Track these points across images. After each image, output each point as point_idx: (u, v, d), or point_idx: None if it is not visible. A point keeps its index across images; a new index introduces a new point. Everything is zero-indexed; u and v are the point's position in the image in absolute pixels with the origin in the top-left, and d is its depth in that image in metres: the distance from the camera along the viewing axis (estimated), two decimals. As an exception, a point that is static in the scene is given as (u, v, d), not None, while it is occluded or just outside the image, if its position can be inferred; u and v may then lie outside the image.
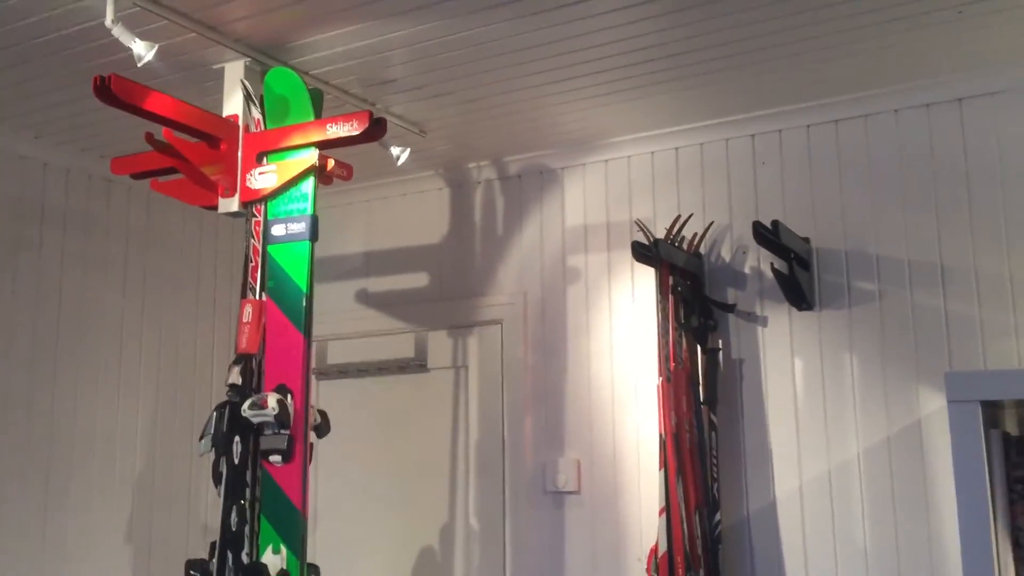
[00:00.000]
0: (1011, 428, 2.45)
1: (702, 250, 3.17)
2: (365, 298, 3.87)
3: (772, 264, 2.92)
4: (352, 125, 2.45)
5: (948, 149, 2.88)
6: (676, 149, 3.31)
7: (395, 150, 3.07)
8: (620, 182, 3.40)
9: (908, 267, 2.88)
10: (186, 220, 3.76)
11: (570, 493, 3.31)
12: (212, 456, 2.54)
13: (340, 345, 3.88)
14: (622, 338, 3.30)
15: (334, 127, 2.47)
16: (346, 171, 2.96)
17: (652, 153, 3.35)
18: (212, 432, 2.52)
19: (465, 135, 3.35)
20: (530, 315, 3.50)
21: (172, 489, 3.65)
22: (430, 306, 3.71)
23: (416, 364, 3.70)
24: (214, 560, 2.46)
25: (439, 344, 3.67)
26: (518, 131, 3.31)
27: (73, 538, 3.30)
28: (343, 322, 3.87)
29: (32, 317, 3.25)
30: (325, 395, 3.88)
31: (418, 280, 3.77)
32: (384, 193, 3.86)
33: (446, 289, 3.70)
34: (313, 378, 3.88)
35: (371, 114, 2.44)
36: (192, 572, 2.48)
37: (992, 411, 2.43)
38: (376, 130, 2.47)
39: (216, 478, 2.53)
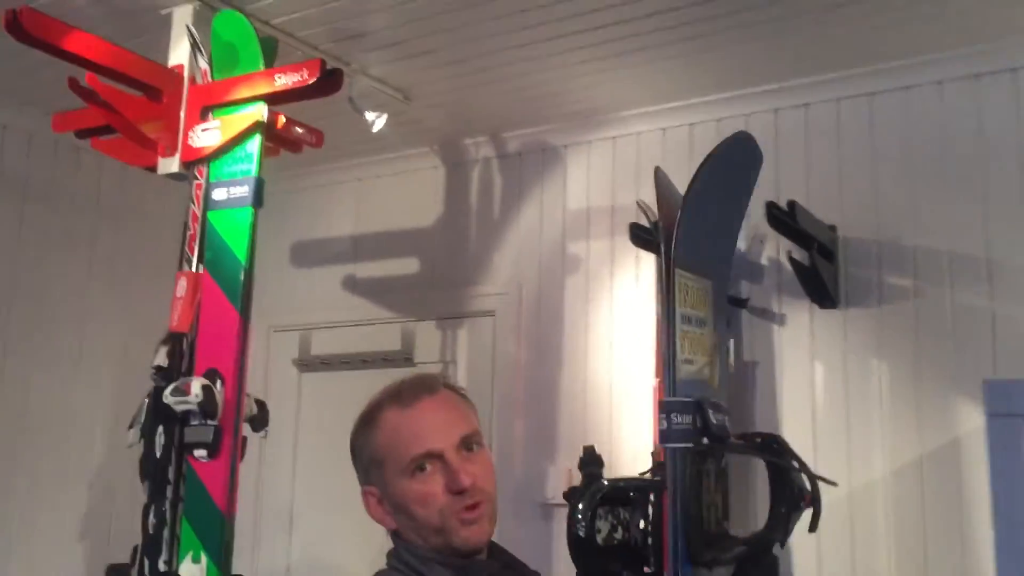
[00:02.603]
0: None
1: (715, 238, 2.83)
2: (352, 285, 3.57)
3: (790, 253, 2.56)
4: (302, 75, 2.15)
5: (1000, 126, 2.51)
6: (690, 125, 2.97)
7: (370, 115, 2.76)
8: (628, 162, 3.07)
9: (949, 261, 2.52)
10: (161, 193, 3.46)
11: (561, 505, 2.96)
12: (142, 448, 2.27)
13: (324, 335, 3.59)
14: (623, 335, 2.96)
15: (283, 77, 2.17)
16: (315, 137, 2.65)
17: (663, 130, 3.01)
18: (142, 421, 2.25)
19: (457, 104, 3.03)
20: (525, 307, 3.17)
21: (136, 481, 3.36)
22: (419, 294, 3.40)
23: (402, 357, 3.39)
24: (135, 568, 2.18)
25: (427, 336, 3.36)
26: (516, 101, 2.99)
27: (19, 532, 3.03)
28: (328, 310, 3.58)
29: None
30: (308, 388, 3.61)
31: (408, 266, 3.46)
32: (376, 171, 3.56)
33: (437, 276, 3.39)
34: (295, 370, 3.64)
35: (323, 62, 2.13)
36: (110, 578, 2.21)
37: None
38: (330, 81, 2.17)
39: (143, 473, 2.25)
